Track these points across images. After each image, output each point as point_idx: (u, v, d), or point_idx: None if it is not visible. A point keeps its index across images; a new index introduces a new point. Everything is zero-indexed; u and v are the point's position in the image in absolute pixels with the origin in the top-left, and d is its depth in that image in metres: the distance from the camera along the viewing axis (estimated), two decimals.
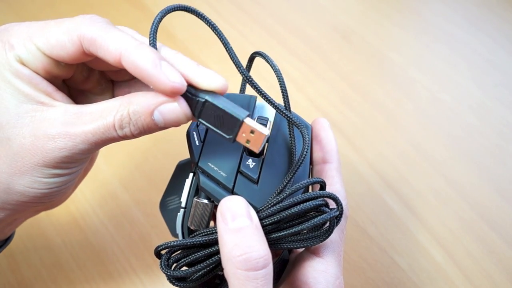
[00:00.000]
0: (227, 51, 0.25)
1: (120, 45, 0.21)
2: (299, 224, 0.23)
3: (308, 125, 0.28)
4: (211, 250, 0.23)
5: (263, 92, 0.25)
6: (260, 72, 0.39)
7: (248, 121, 0.22)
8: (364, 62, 0.50)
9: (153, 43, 0.23)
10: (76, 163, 0.24)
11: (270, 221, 0.23)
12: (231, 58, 0.25)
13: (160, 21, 0.23)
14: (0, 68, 0.22)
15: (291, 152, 0.26)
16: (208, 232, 0.24)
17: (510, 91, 0.48)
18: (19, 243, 0.38)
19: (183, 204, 0.26)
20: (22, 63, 0.23)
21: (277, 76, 0.25)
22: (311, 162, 0.28)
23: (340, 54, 0.51)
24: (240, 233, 0.21)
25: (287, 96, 0.25)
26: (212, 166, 0.25)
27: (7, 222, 0.25)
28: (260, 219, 0.23)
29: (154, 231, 0.39)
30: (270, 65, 0.25)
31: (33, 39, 0.23)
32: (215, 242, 0.23)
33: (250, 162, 0.25)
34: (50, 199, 0.24)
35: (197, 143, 0.26)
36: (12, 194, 0.23)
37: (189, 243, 0.23)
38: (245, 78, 0.25)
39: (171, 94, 0.22)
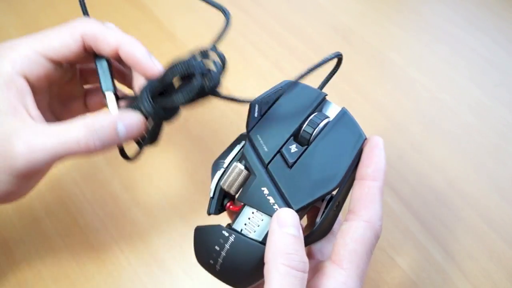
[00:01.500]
0: None
1: (117, 39, 0.26)
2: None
3: (363, 135, 0.27)
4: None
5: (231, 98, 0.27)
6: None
7: (108, 95, 0.28)
8: (364, 62, 0.50)
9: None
10: (38, 172, 0.26)
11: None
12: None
13: None
14: None
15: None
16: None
17: (510, 91, 0.48)
18: (20, 243, 0.38)
19: (225, 165, 0.28)
20: (23, 74, 0.25)
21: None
22: (355, 175, 0.27)
23: None
24: (290, 238, 0.23)
25: None
26: (259, 139, 0.27)
27: None
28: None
29: (154, 231, 0.39)
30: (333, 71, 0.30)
31: (37, 48, 0.26)
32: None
33: (293, 147, 0.26)
34: (5, 198, 0.27)
35: (255, 115, 0.28)
36: None
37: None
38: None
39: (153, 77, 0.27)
